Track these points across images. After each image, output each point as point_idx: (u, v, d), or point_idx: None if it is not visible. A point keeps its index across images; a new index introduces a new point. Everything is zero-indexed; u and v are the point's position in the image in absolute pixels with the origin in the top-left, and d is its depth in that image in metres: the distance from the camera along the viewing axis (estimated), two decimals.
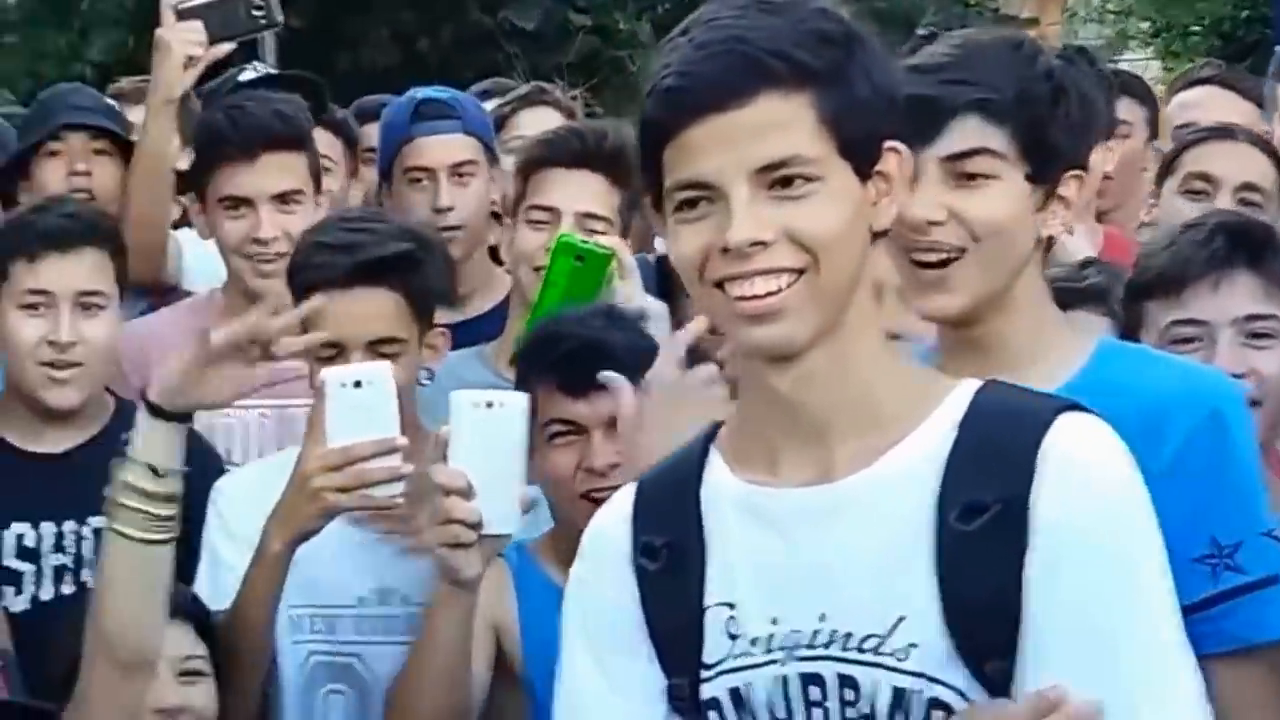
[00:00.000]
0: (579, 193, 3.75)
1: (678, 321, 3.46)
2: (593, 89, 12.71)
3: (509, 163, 4.29)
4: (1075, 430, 1.98)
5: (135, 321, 4.04)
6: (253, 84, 4.70)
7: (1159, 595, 1.97)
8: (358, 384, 3.00)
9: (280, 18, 4.27)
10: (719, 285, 1.98)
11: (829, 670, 1.98)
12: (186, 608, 3.25)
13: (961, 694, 1.94)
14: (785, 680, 2.00)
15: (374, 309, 3.26)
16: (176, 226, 4.60)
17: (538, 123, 4.89)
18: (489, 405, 2.71)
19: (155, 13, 4.25)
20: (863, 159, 1.98)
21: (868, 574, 1.97)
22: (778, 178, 1.95)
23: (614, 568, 2.10)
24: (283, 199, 3.93)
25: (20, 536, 3.57)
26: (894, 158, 2.02)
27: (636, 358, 3.11)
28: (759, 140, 1.94)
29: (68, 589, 3.57)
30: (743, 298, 1.97)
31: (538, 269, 3.69)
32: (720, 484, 2.08)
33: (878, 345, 2.05)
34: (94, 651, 2.97)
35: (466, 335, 4.02)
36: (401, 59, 13.17)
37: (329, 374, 3.05)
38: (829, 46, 1.97)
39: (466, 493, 2.70)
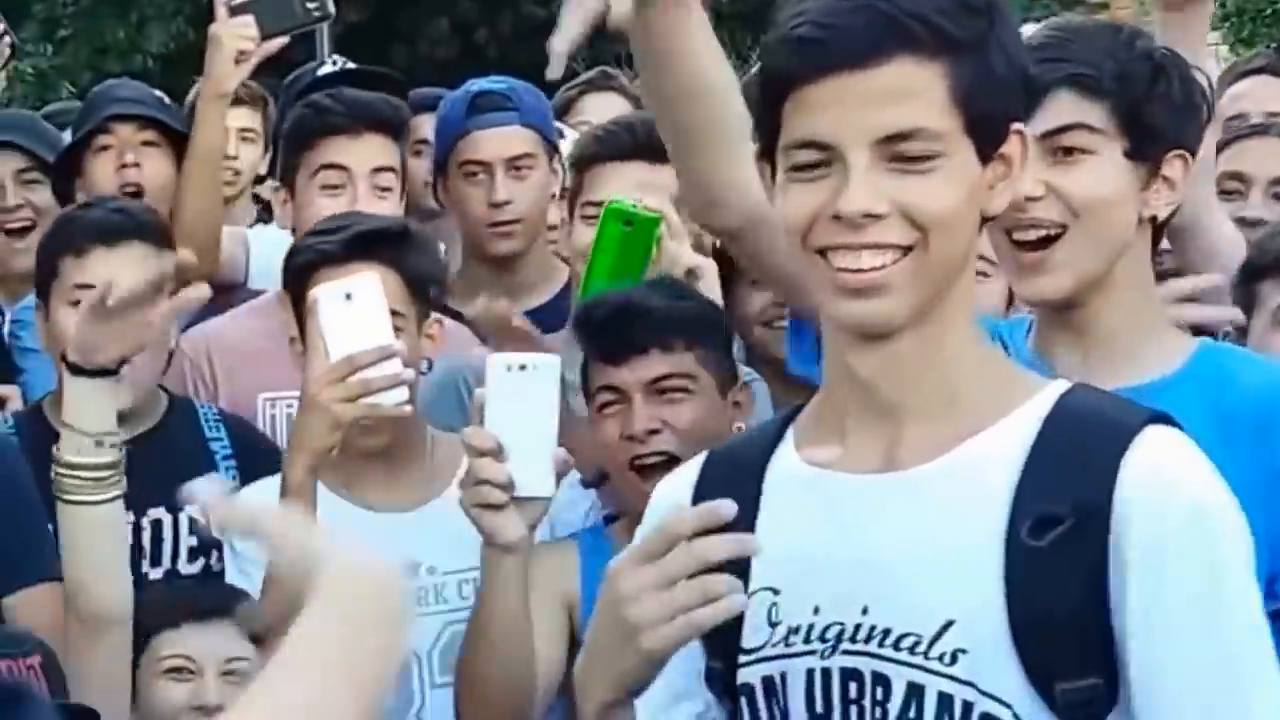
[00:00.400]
0: (633, 186, 3.69)
1: (730, 310, 3.51)
2: None
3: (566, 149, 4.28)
4: (1161, 444, 1.91)
5: (198, 325, 4.02)
6: (331, 78, 4.74)
7: (1249, 611, 1.90)
8: (348, 296, 3.02)
9: (333, 10, 4.24)
10: (821, 252, 1.91)
11: (866, 667, 1.92)
12: (232, 607, 3.25)
13: (1011, 709, 1.87)
14: (826, 674, 1.94)
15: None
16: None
17: (602, 107, 4.89)
18: (522, 368, 2.72)
19: (213, 4, 4.25)
20: (987, 139, 1.91)
21: (920, 570, 1.91)
22: (900, 150, 1.88)
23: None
24: (379, 180, 3.97)
25: None
26: (1017, 140, 1.95)
27: (677, 320, 3.15)
28: (887, 107, 1.87)
29: None
30: (846, 270, 1.90)
31: None
32: (786, 465, 2.02)
33: (970, 333, 1.99)
34: (67, 616, 3.09)
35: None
36: (460, 51, 13.17)
37: (318, 291, 3.07)
38: (971, 15, 1.90)
39: (496, 454, 2.70)
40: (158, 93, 4.69)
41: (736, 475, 2.03)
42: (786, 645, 1.96)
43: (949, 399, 1.95)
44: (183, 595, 3.34)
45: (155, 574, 3.56)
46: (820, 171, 1.90)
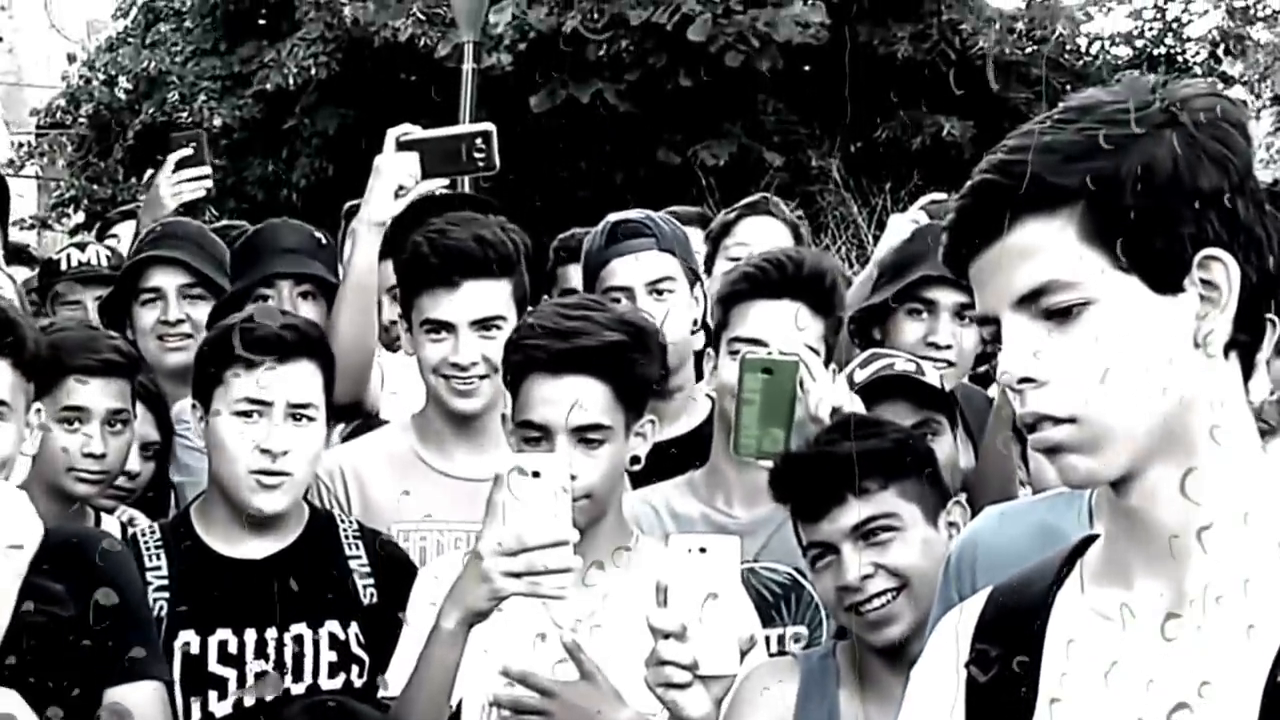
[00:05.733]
0: (781, 322, 3.73)
1: None
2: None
3: (724, 268, 4.26)
4: None
5: (334, 449, 4.05)
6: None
7: None
8: (535, 474, 3.07)
9: (498, 163, 4.22)
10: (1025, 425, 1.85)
11: None
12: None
13: None
14: None
15: (582, 396, 3.32)
16: None
17: (759, 230, 5.00)
18: (702, 550, 2.80)
19: (354, 142, 4.29)
20: (1152, 270, 1.79)
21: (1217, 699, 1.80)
22: (1043, 308, 1.81)
23: (947, 667, 1.97)
24: (483, 325, 3.91)
25: (224, 643, 3.57)
26: (1215, 266, 1.79)
27: (866, 461, 3.13)
28: (1019, 268, 1.82)
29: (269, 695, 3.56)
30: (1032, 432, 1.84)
31: None
32: (1070, 607, 1.91)
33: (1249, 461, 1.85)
34: None
35: (666, 455, 4.00)
36: (596, 193, 13.31)
37: (508, 466, 3.12)
38: (1097, 155, 1.80)
39: (680, 635, 2.77)
40: (316, 233, 4.70)
41: (1020, 612, 1.94)
42: None
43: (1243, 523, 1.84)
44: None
45: (297, 689, 3.53)
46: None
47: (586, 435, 3.33)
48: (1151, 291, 1.79)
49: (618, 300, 4.21)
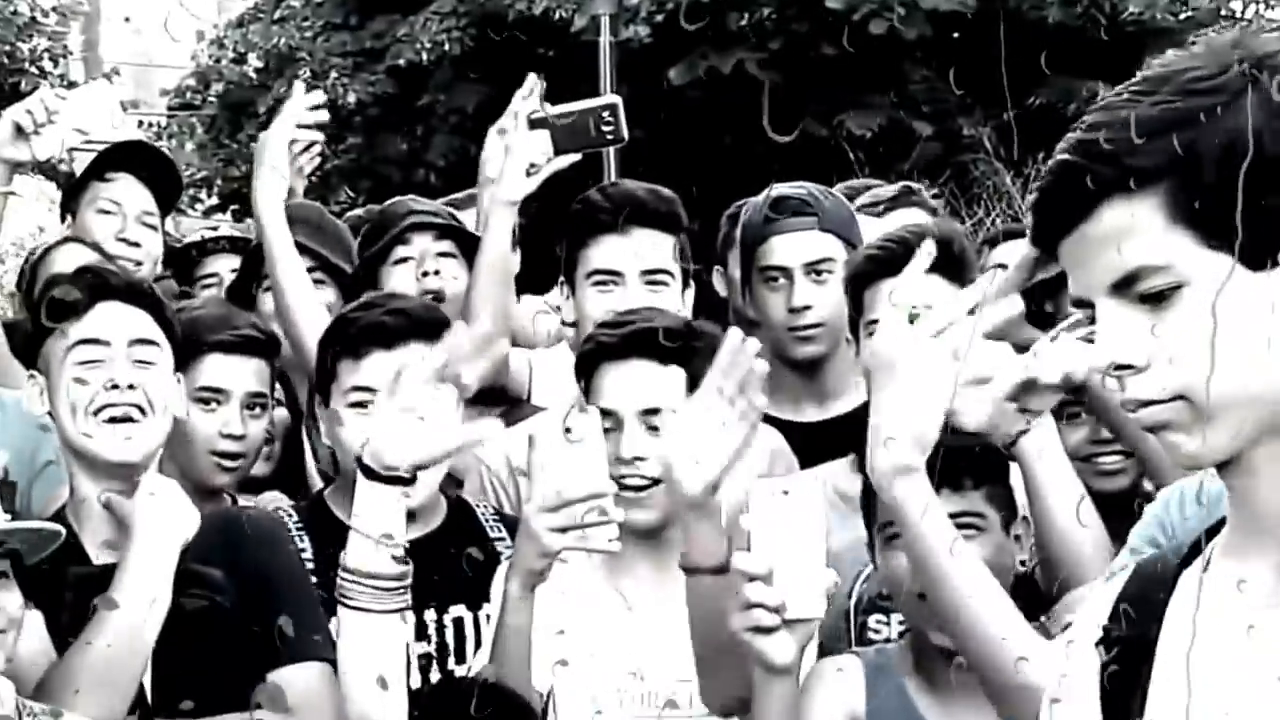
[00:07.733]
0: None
1: None
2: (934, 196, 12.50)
3: None
4: None
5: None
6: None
7: None
8: (567, 430, 3.17)
9: (626, 134, 4.21)
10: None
11: None
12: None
13: None
14: None
15: (648, 380, 3.38)
16: None
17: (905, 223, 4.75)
18: (785, 493, 2.80)
19: (493, 119, 4.37)
20: (1243, 246, 1.71)
21: None
22: (1137, 293, 1.75)
23: (1085, 642, 1.92)
24: (652, 277, 3.94)
25: None
26: None
27: (965, 459, 3.12)
28: (1107, 252, 1.76)
29: (434, 676, 3.55)
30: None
31: None
32: (1194, 582, 1.86)
33: None
34: None
35: (827, 436, 3.97)
36: (741, 166, 13.19)
37: (540, 428, 3.24)
38: (1176, 131, 1.71)
39: (767, 578, 2.76)
40: (446, 208, 4.74)
41: (1148, 591, 1.89)
42: None
43: None
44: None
45: (460, 671, 3.51)
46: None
47: (653, 420, 3.37)
48: (1244, 268, 1.72)
49: (774, 279, 4.23)
